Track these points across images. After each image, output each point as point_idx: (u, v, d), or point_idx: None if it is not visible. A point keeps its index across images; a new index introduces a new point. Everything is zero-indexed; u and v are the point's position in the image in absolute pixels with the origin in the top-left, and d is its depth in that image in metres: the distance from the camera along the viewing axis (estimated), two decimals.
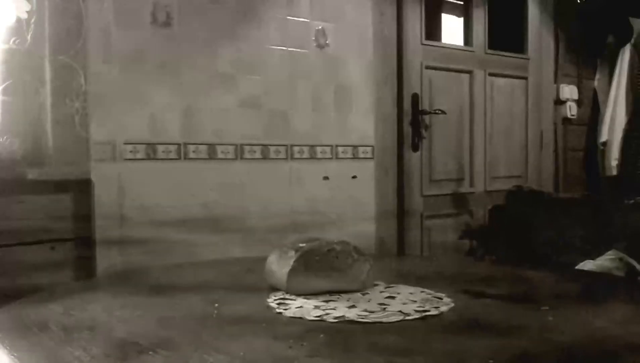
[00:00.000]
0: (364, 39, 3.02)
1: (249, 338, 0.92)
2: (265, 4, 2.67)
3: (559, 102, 4.01)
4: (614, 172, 3.94)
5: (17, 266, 1.98)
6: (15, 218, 2.03)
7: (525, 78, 3.87)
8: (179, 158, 2.43)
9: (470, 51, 3.59)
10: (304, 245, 1.26)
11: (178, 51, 2.41)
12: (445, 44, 3.74)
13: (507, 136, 3.78)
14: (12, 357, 0.86)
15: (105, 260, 2.19)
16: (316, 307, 1.08)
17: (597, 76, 4.18)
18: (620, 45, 4.00)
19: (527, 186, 3.19)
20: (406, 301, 1.13)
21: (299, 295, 1.17)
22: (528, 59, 3.88)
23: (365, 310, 1.07)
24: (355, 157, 3.00)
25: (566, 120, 4.06)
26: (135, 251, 2.23)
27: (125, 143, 2.30)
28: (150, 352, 0.85)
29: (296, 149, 2.78)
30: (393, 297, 1.16)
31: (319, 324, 0.99)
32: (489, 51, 3.65)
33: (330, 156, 2.91)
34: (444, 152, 3.46)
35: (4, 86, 2.06)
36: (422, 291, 1.20)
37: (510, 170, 3.80)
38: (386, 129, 3.13)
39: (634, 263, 1.81)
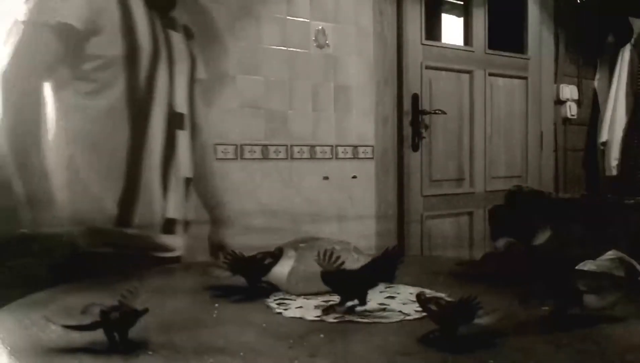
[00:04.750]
0: (364, 39, 3.02)
1: (249, 338, 0.92)
2: (265, 4, 2.67)
3: (559, 102, 4.01)
4: (614, 172, 3.94)
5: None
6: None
7: (525, 78, 3.87)
8: None
9: (470, 51, 3.59)
10: (304, 245, 1.26)
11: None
12: (445, 44, 3.74)
13: (507, 136, 3.78)
14: (12, 357, 0.86)
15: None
16: (316, 307, 1.08)
17: (597, 76, 4.19)
18: (620, 45, 4.01)
19: (527, 186, 3.19)
20: (406, 301, 1.13)
21: (299, 295, 1.17)
22: (528, 59, 3.88)
23: (365, 310, 1.07)
24: (355, 157, 3.00)
25: (566, 120, 4.06)
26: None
27: None
28: (150, 352, 0.85)
29: (296, 149, 2.78)
30: (393, 297, 1.16)
31: (319, 324, 0.99)
32: (489, 51, 3.65)
33: (330, 156, 2.91)
34: (444, 152, 3.46)
35: None
36: (421, 291, 1.20)
37: (510, 170, 3.80)
38: (386, 129, 3.13)
39: (634, 263, 1.81)
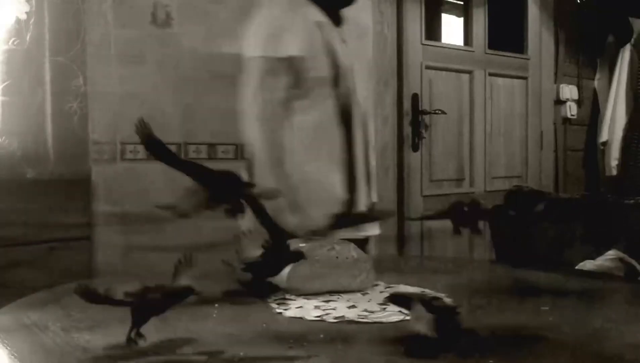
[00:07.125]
0: (364, 39, 3.02)
1: (249, 338, 0.92)
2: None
3: (559, 102, 4.01)
4: (614, 172, 3.94)
5: (17, 266, 1.98)
6: (14, 218, 2.03)
7: (525, 78, 3.87)
8: None
9: (470, 51, 3.59)
10: (304, 245, 1.26)
11: (178, 51, 2.40)
12: (445, 44, 3.74)
13: (507, 136, 3.78)
14: (12, 357, 0.86)
15: (105, 259, 2.19)
16: (316, 307, 1.08)
17: (597, 76, 4.18)
18: (620, 45, 4.00)
19: (527, 186, 3.19)
20: None
21: (299, 295, 1.17)
22: (528, 59, 3.88)
23: (365, 310, 1.07)
24: None
25: (566, 120, 4.06)
26: (135, 251, 2.23)
27: (125, 143, 2.30)
28: (151, 352, 0.85)
29: None
30: None
31: (319, 324, 0.99)
32: (489, 51, 3.65)
33: None
34: (444, 152, 3.46)
35: (3, 86, 2.06)
36: (422, 292, 1.20)
37: (510, 170, 3.80)
38: (386, 129, 3.13)
39: (634, 263, 1.81)
